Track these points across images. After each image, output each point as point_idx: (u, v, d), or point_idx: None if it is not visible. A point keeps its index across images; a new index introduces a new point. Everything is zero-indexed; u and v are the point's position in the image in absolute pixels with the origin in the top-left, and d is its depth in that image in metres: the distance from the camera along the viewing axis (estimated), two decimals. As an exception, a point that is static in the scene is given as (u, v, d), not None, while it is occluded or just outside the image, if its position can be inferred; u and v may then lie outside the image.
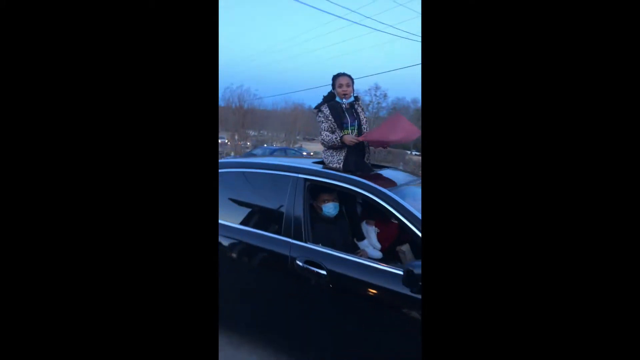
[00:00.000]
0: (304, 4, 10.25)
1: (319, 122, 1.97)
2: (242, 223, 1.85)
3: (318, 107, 1.98)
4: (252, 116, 19.54)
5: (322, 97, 2.01)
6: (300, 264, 1.55)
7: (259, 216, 1.88)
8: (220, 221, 1.87)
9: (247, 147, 18.13)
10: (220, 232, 1.84)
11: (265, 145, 15.15)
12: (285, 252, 1.62)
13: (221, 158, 2.56)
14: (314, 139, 33.66)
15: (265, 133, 21.44)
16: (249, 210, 1.92)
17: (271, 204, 1.86)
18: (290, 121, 20.25)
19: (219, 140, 22.37)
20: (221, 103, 20.07)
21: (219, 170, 2.00)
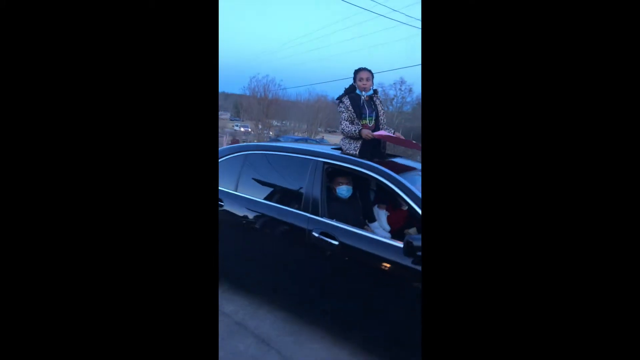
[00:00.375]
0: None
1: (340, 112, 2.16)
2: (266, 199, 2.09)
3: (340, 98, 2.18)
4: (276, 106, 19.88)
5: (343, 89, 2.20)
6: (316, 234, 1.78)
7: (282, 193, 2.11)
8: (246, 196, 2.13)
9: (270, 136, 18.49)
10: (246, 205, 2.10)
11: (287, 135, 15.45)
12: (304, 225, 1.84)
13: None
14: (335, 131, 33.72)
15: (288, 123, 21.75)
16: (272, 188, 2.15)
17: (293, 183, 2.09)
18: (313, 112, 20.45)
19: (243, 129, 22.91)
20: (247, 92, 20.52)
21: (248, 152, 2.25)
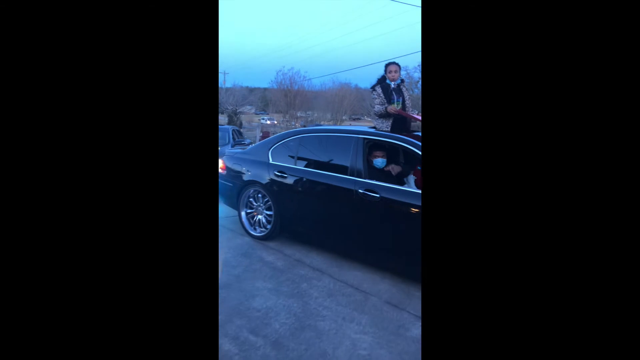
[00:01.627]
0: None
1: (373, 98, 2.74)
2: (319, 169, 2.72)
3: (373, 87, 2.75)
4: (302, 97, 20.49)
5: (376, 79, 2.77)
6: (361, 191, 2.38)
7: (331, 165, 2.72)
8: (303, 168, 2.76)
9: (296, 127, 19.16)
10: (304, 175, 2.73)
11: (315, 124, 16.05)
12: (350, 186, 2.45)
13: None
14: (359, 118, 33.82)
15: (311, 113, 22.29)
16: (324, 161, 2.77)
17: (339, 156, 2.69)
18: (337, 101, 20.81)
19: (269, 122, 23.73)
20: (274, 85, 21.28)
21: (302, 136, 2.88)
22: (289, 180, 2.81)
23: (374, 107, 2.73)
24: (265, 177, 2.95)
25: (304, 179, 2.74)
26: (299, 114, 22.05)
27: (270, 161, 2.97)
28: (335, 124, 20.08)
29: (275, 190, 2.89)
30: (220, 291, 2.17)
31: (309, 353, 1.62)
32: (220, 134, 5.96)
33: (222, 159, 3.41)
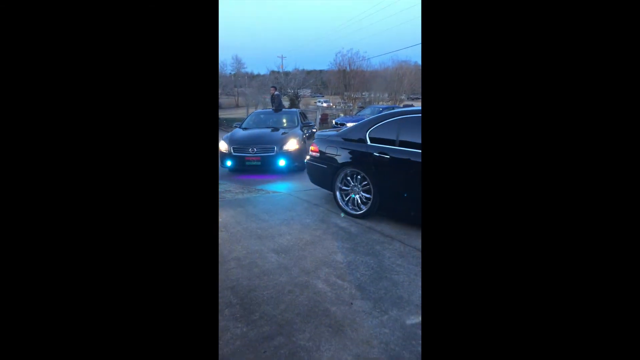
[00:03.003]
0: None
1: None
2: (401, 145, 2.92)
3: None
4: (360, 78, 20.35)
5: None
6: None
7: (412, 143, 2.88)
8: (406, 148, 2.88)
9: (352, 109, 19.16)
10: (407, 156, 2.85)
11: (373, 105, 15.89)
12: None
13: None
14: (419, 98, 32.22)
15: (367, 94, 22.02)
16: (404, 139, 2.93)
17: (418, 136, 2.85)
18: (396, 80, 20.20)
19: (325, 104, 24.02)
20: (333, 67, 21.43)
21: (402, 117, 2.99)
22: (390, 161, 2.93)
23: None
24: (364, 158, 3.08)
25: (405, 159, 2.85)
26: (354, 96, 21.94)
27: (369, 143, 3.12)
28: (396, 104, 19.62)
29: (374, 171, 3.02)
30: (306, 246, 2.60)
31: (388, 296, 1.94)
32: (289, 116, 6.62)
33: (314, 143, 3.67)
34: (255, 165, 5.22)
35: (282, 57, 37.26)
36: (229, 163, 5.30)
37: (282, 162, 5.20)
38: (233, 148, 5.30)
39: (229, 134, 5.80)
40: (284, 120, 6.43)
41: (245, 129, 6.10)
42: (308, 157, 3.85)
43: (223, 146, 5.38)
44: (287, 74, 25.55)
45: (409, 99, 26.14)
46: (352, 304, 1.85)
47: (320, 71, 32.60)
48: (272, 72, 30.25)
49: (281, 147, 5.24)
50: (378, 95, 20.77)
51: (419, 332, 1.62)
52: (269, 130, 5.85)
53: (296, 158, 5.27)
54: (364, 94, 22.02)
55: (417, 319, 1.72)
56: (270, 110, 7.13)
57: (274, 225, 3.05)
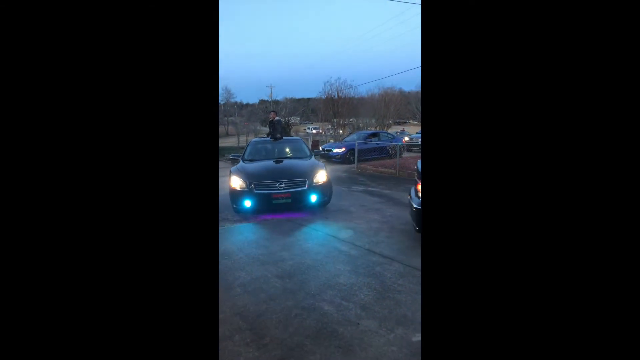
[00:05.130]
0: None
1: None
2: None
3: None
4: (349, 105, 21.11)
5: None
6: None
7: None
8: None
9: (342, 135, 19.65)
10: None
11: (359, 131, 16.42)
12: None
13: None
14: (406, 122, 33.32)
15: (355, 120, 22.71)
16: None
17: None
18: (383, 106, 21.00)
19: (315, 131, 24.59)
20: (322, 95, 22.24)
21: None
22: None
23: None
24: None
25: None
26: (343, 122, 22.60)
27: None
28: (382, 129, 20.31)
29: None
30: (308, 271, 2.66)
31: (393, 315, 2.00)
32: (295, 145, 5.85)
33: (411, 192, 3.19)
34: (285, 203, 4.27)
35: (271, 87, 38.38)
36: (248, 203, 4.25)
37: (313, 198, 4.37)
38: (255, 184, 4.26)
39: (237, 166, 4.90)
40: (288, 150, 5.57)
41: (250, 160, 5.14)
42: None
43: (237, 182, 4.36)
44: (276, 102, 26.25)
45: (395, 123, 27.05)
46: (359, 324, 1.91)
47: (309, 99, 33.66)
48: (262, 101, 31.01)
49: (312, 181, 4.41)
50: (366, 121, 21.43)
51: (425, 348, 1.68)
52: (289, 161, 5.02)
53: (326, 192, 4.55)
54: (351, 120, 22.71)
55: (423, 335, 1.78)
56: (268, 139, 6.00)
57: (274, 251, 3.11)
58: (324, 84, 23.74)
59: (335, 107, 20.81)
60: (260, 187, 4.28)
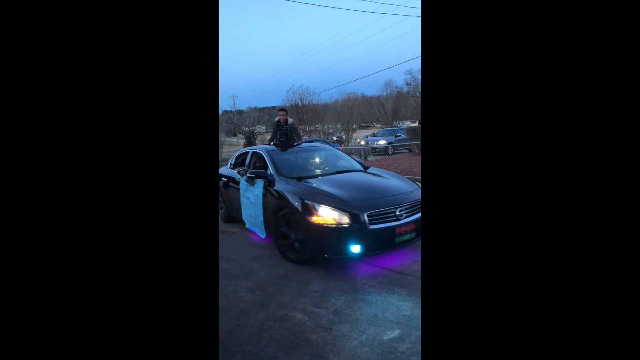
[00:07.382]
0: (335, 7, 10.78)
1: None
2: None
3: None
4: (312, 112, 21.31)
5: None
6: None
7: None
8: None
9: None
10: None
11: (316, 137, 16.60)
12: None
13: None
14: (369, 126, 34.23)
15: (320, 127, 23.02)
16: None
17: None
18: (346, 111, 21.45)
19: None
20: (286, 103, 22.24)
21: None
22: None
23: None
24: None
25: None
26: (309, 129, 22.77)
27: None
28: (341, 134, 20.70)
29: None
30: (281, 280, 2.62)
31: (364, 316, 2.03)
32: (329, 153, 4.21)
33: None
34: (410, 239, 2.73)
35: (234, 97, 37.77)
36: (356, 249, 2.56)
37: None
38: (369, 216, 2.59)
39: (283, 187, 3.09)
40: (318, 160, 3.93)
41: (298, 178, 3.19)
42: None
43: (331, 214, 2.63)
44: (240, 112, 25.86)
45: (359, 127, 27.71)
46: (331, 329, 1.91)
47: (273, 107, 33.52)
48: (225, 111, 30.39)
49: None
50: (332, 126, 21.73)
51: (397, 345, 1.72)
52: (359, 175, 3.45)
53: None
54: (317, 126, 22.94)
55: (393, 333, 1.83)
56: (274, 147, 4.11)
57: (244, 265, 3.04)
58: (287, 92, 23.93)
59: (299, 114, 20.94)
60: (376, 219, 2.64)
